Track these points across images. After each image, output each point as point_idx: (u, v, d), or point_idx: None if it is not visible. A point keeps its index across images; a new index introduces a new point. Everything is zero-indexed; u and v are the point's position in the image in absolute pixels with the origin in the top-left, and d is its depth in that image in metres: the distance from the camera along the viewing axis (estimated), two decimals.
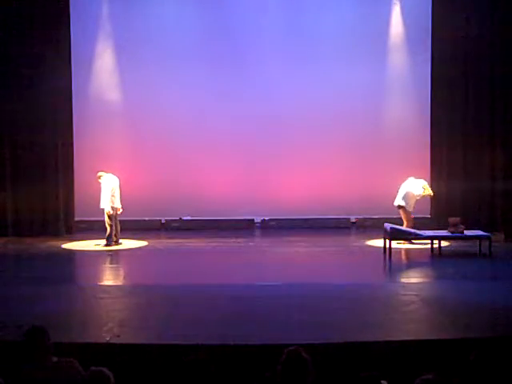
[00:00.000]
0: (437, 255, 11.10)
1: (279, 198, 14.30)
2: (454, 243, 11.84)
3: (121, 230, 12.53)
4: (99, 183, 12.38)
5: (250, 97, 14.53)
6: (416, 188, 12.41)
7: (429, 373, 4.18)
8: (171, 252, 12.05)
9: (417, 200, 12.46)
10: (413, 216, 12.46)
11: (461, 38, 13.47)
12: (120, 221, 12.62)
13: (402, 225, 12.05)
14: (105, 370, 4.09)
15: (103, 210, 12.30)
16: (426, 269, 10.55)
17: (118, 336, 6.24)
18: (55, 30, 13.46)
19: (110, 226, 12.23)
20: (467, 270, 9.86)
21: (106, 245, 12.17)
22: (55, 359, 4.46)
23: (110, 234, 12.25)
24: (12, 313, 7.02)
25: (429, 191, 12.53)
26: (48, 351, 4.43)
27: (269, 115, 14.42)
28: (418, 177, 12.62)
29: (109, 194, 12.24)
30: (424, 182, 12.59)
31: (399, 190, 12.46)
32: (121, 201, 12.43)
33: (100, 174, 12.42)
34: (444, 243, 11.63)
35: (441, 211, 13.67)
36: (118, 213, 12.42)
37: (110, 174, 12.45)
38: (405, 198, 12.34)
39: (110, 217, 12.24)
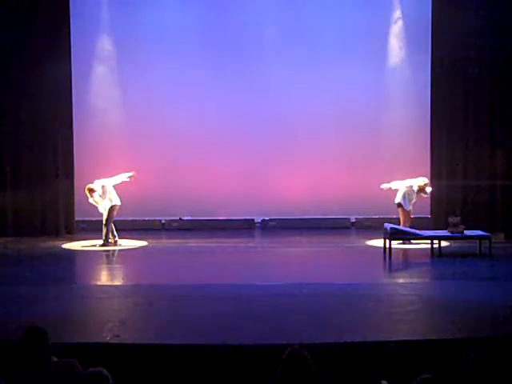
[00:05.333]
0: (437, 255, 11.09)
1: (279, 198, 14.30)
2: (454, 243, 11.83)
3: (117, 230, 12.45)
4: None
5: (250, 97, 14.53)
6: (414, 182, 12.37)
7: (429, 373, 4.18)
8: (171, 252, 12.04)
9: (416, 196, 12.39)
10: (412, 216, 12.45)
11: (461, 39, 13.46)
12: (120, 221, 12.61)
13: (400, 225, 12.05)
14: (103, 370, 4.08)
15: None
16: (426, 269, 10.54)
17: (118, 336, 6.24)
18: (55, 32, 13.43)
19: (107, 225, 12.21)
20: (467, 269, 9.84)
21: (103, 245, 12.15)
22: (55, 359, 4.45)
23: (107, 234, 12.24)
24: (12, 313, 7.02)
25: (428, 187, 12.45)
26: (48, 351, 4.42)
27: (269, 116, 14.42)
28: (417, 176, 12.60)
29: (99, 197, 12.21)
30: (424, 179, 12.56)
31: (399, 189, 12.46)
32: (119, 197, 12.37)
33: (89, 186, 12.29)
34: (444, 243, 11.62)
35: (441, 211, 13.68)
36: (115, 204, 12.28)
37: (96, 181, 12.30)
38: (403, 194, 12.30)
39: (109, 215, 12.20)
